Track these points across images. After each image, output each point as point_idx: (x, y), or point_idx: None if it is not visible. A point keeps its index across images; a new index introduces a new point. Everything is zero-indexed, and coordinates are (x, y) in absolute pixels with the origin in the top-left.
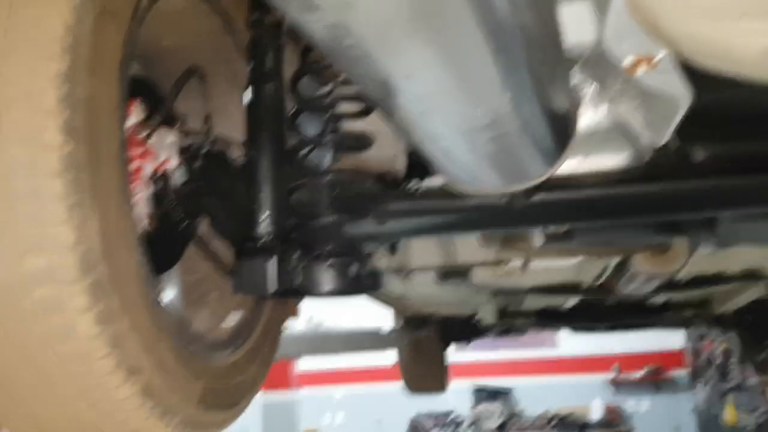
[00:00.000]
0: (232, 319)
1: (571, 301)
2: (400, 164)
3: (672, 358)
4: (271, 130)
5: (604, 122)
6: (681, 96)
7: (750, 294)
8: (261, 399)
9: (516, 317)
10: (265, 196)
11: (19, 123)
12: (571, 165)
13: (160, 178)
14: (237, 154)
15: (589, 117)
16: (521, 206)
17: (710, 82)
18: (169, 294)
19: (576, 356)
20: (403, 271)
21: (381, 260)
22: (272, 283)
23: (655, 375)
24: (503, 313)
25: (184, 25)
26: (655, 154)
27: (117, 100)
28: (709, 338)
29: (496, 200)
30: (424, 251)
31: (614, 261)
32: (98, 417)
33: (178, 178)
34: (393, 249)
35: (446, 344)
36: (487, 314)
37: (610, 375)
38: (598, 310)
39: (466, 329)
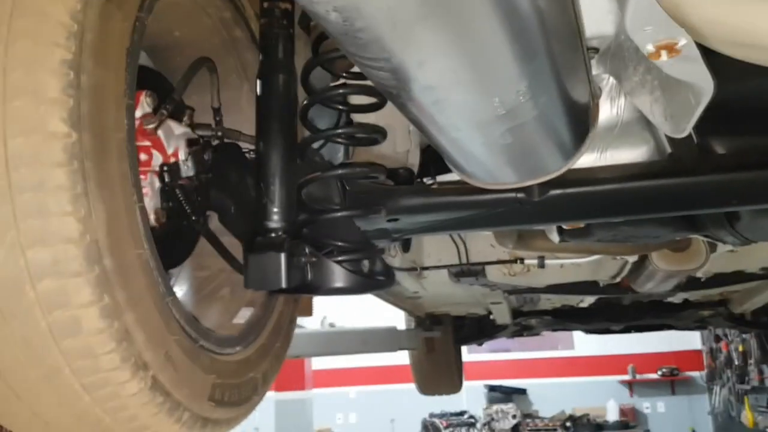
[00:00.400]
0: (244, 315)
1: (588, 301)
2: (413, 160)
3: (688, 359)
4: (282, 122)
5: (622, 115)
6: (704, 85)
7: None
8: (274, 398)
9: (530, 317)
10: (276, 190)
11: (23, 112)
12: (588, 159)
13: (168, 171)
14: (247, 147)
15: (607, 110)
16: (537, 202)
17: (731, 72)
18: (179, 289)
19: (591, 357)
20: (417, 270)
21: (394, 258)
22: (283, 278)
23: (671, 376)
24: (517, 313)
25: (194, 15)
26: (676, 148)
27: (124, 90)
28: (725, 339)
29: (512, 196)
30: (438, 248)
31: (632, 259)
32: (105, 414)
33: (187, 170)
34: (406, 246)
35: (460, 344)
36: (500, 314)
37: (626, 376)
38: (614, 310)
39: (479, 329)
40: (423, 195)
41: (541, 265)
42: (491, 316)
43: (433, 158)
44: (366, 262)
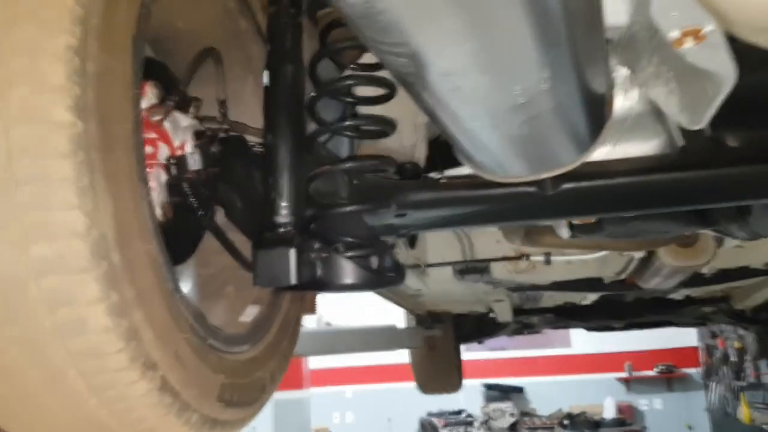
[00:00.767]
0: (250, 313)
1: (590, 298)
2: (420, 154)
3: (684, 356)
4: (289, 114)
5: (635, 107)
6: (726, 74)
7: None
8: (272, 397)
9: (532, 315)
10: (284, 184)
11: (26, 100)
12: (601, 152)
13: (174, 164)
14: (253, 141)
15: (619, 102)
16: (550, 196)
17: (747, 62)
18: (185, 285)
19: (588, 354)
20: (421, 267)
21: (399, 255)
22: (293, 275)
23: (667, 373)
24: (519, 311)
25: (198, 5)
26: (688, 141)
27: (131, 78)
28: (722, 336)
29: (523, 190)
30: (442, 245)
31: (639, 255)
32: (112, 415)
33: (193, 164)
34: (413, 242)
35: (460, 343)
36: (502, 312)
37: (623, 373)
38: (615, 307)
39: (480, 327)
40: (432, 189)
41: (548, 262)
42: (492, 314)
43: (440, 152)
44: (375, 258)
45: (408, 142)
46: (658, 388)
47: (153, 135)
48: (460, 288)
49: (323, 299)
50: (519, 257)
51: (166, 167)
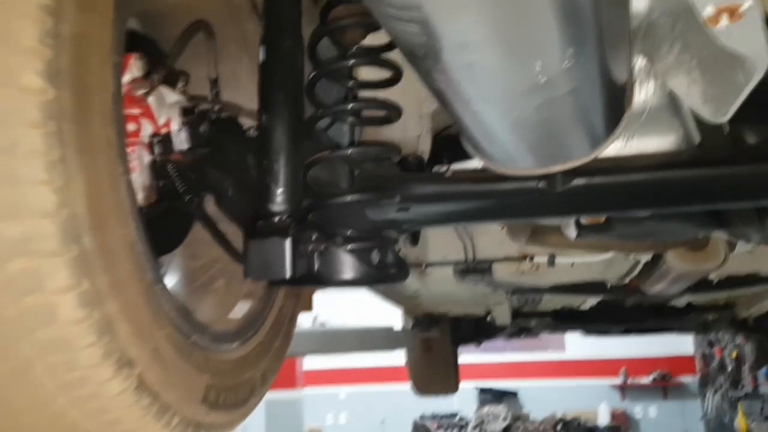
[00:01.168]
0: (241, 310)
1: (591, 302)
2: (424, 146)
3: (681, 363)
4: (287, 93)
5: (650, 101)
6: (760, 58)
7: None
8: (264, 397)
9: (530, 318)
10: (279, 168)
11: None
12: (614, 148)
13: (160, 142)
14: (247, 124)
15: (634, 95)
16: (560, 192)
17: None
18: (170, 280)
19: (583, 359)
20: (422, 266)
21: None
22: (287, 267)
23: (663, 380)
24: (517, 314)
25: None
26: (706, 137)
27: (111, 43)
28: (719, 344)
29: (532, 185)
30: (444, 244)
31: (646, 257)
32: (83, 416)
33: (180, 143)
34: (415, 239)
35: (457, 345)
36: (501, 314)
37: (618, 379)
38: (615, 312)
39: (478, 330)
40: (437, 182)
41: (552, 264)
42: (489, 317)
43: (446, 146)
44: (376, 253)
45: (412, 132)
46: (653, 395)
47: (136, 111)
48: (459, 289)
49: (319, 298)
50: (522, 258)
51: (150, 146)
